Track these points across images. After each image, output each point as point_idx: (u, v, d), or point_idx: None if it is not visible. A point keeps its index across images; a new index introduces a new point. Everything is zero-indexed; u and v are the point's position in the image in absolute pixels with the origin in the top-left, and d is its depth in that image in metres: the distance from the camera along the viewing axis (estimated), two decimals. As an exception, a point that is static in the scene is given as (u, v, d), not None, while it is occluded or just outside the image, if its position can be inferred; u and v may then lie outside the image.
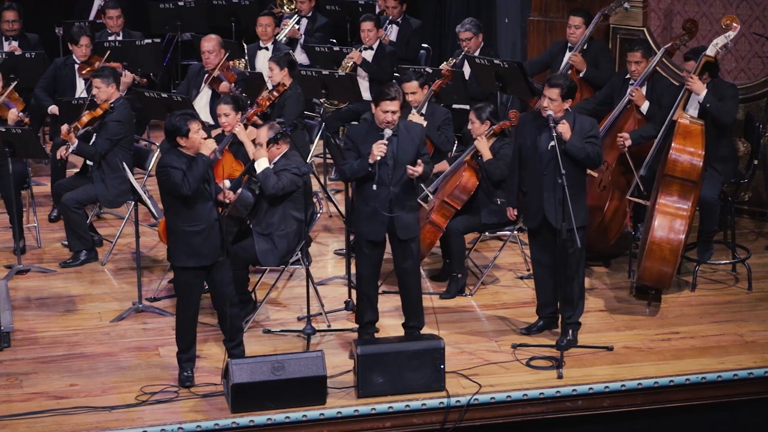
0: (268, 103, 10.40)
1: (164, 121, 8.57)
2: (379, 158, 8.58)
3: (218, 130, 10.23)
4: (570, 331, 9.03)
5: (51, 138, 12.30)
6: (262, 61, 12.62)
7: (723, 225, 10.53)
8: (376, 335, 9.12)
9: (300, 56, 13.25)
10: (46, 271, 10.54)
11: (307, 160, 10.63)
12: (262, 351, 8.97)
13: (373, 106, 8.79)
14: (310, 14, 13.79)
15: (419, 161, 8.69)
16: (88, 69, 11.83)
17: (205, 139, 8.39)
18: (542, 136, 8.91)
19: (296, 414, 8.26)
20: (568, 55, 11.52)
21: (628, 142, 10.17)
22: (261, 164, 9.35)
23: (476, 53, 11.88)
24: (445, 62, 11.78)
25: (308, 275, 9.28)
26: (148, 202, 9.56)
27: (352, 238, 9.24)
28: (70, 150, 10.56)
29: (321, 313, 9.56)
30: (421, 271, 10.29)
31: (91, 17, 14.05)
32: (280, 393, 8.27)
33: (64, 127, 10.55)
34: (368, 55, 12.75)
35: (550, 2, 12.55)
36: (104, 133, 10.57)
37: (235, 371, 8.21)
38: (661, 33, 11.89)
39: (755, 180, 10.89)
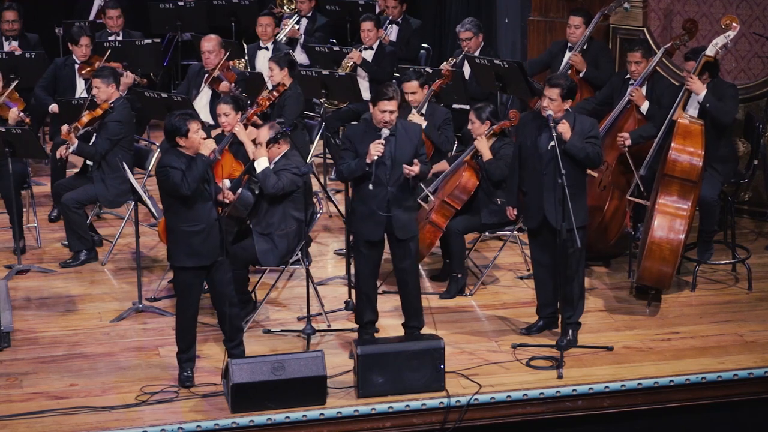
0: (268, 103, 10.41)
1: (164, 121, 8.57)
2: (376, 158, 8.59)
3: (218, 130, 10.23)
4: (570, 331, 9.03)
5: (51, 138, 12.30)
6: (262, 61, 12.62)
7: (723, 225, 10.53)
8: (376, 335, 9.12)
9: (300, 56, 13.25)
10: (46, 271, 10.54)
11: (307, 160, 10.63)
12: (262, 351, 8.97)
13: (371, 106, 8.79)
14: (310, 14, 13.79)
15: (416, 161, 8.69)
16: (88, 69, 11.83)
17: (204, 139, 8.39)
18: (542, 136, 8.91)
19: (296, 414, 8.26)
20: (568, 55, 11.52)
21: (628, 142, 10.17)
22: (261, 164, 9.36)
23: (476, 53, 11.88)
24: (445, 62, 11.79)
25: (308, 275, 9.28)
26: (148, 202, 9.56)
27: (352, 238, 9.24)
28: (70, 150, 10.56)
29: (321, 313, 9.56)
30: (421, 271, 10.31)
31: (91, 17, 14.05)
32: (280, 393, 8.27)
33: (65, 128, 10.55)
34: (368, 55, 12.75)
35: (550, 2, 12.55)
36: (104, 133, 10.57)
37: (235, 371, 8.21)
38: (661, 33, 11.89)
39: (755, 180, 10.89)
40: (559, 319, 9.13)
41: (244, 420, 8.21)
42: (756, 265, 10.28)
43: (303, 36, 13.54)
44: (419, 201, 10.02)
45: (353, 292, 9.27)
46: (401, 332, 9.14)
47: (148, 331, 9.49)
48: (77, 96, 11.92)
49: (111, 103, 10.60)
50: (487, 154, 9.91)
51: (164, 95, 11.43)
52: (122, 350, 9.18)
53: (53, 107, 11.90)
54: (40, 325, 9.60)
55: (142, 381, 8.67)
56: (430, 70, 11.40)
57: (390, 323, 9.41)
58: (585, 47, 11.46)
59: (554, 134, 8.70)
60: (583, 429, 8.75)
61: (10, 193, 10.47)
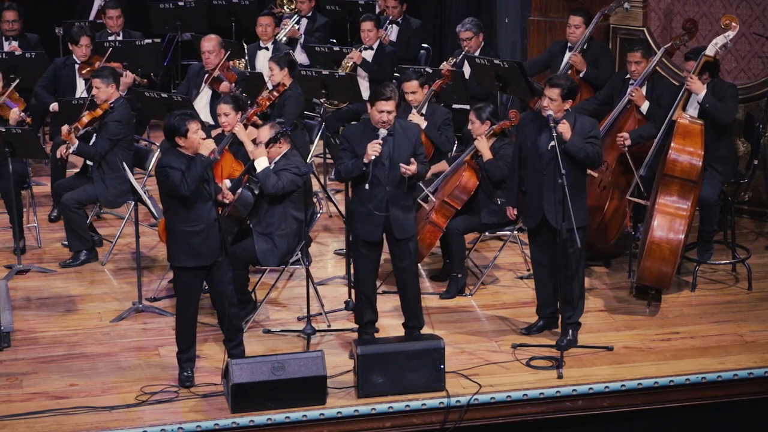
0: (268, 103, 10.41)
1: (164, 121, 8.57)
2: (373, 158, 8.59)
3: (218, 130, 10.23)
4: (570, 331, 9.03)
5: (51, 138, 12.30)
6: (262, 61, 12.62)
7: (723, 225, 10.53)
8: (376, 335, 9.12)
9: (300, 56, 13.25)
10: (46, 271, 10.54)
11: (307, 160, 10.63)
12: (262, 351, 8.97)
13: (368, 106, 8.79)
14: (310, 14, 13.79)
15: (412, 159, 8.69)
16: (89, 69, 11.82)
17: (204, 139, 8.39)
18: (542, 136, 8.91)
19: (296, 414, 8.26)
20: (568, 55, 11.52)
21: (628, 142, 10.17)
22: (260, 164, 9.36)
23: (476, 53, 11.88)
24: (445, 62, 11.79)
25: (308, 275, 9.28)
26: (148, 202, 9.56)
27: (351, 238, 9.23)
28: (71, 150, 10.56)
29: (321, 313, 9.56)
30: (421, 271, 10.31)
31: (91, 17, 14.05)
32: (280, 393, 8.27)
33: (65, 128, 10.54)
34: (368, 55, 12.75)
35: (550, 2, 12.55)
36: (104, 133, 10.57)
37: (235, 371, 8.21)
38: (661, 33, 11.89)
39: (755, 180, 10.89)
40: (559, 319, 9.13)
41: (244, 420, 8.21)
42: (756, 265, 10.28)
43: (303, 36, 13.54)
44: (419, 201, 10.02)
45: (353, 292, 9.27)
46: (401, 332, 9.14)
47: (148, 331, 9.49)
48: (77, 96, 11.92)
49: (111, 103, 10.60)
50: (487, 154, 9.91)
51: (164, 95, 11.43)
52: (122, 350, 9.18)
53: (54, 106, 11.90)
54: (40, 325, 9.60)
55: (142, 381, 8.67)
56: (430, 70, 11.40)
57: (390, 323, 9.41)
58: (585, 47, 11.46)
59: (554, 134, 8.70)
60: (583, 429, 8.75)
61: (10, 193, 10.47)
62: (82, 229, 10.60)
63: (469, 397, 8.45)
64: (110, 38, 13.01)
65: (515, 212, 9.35)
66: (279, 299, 10.01)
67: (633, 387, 8.64)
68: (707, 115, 9.94)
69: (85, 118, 10.58)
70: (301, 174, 9.25)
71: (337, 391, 8.47)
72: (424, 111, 10.52)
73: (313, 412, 8.28)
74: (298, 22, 13.63)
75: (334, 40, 13.78)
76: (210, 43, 11.71)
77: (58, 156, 10.79)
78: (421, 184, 10.04)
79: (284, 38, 13.33)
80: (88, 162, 10.77)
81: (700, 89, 9.96)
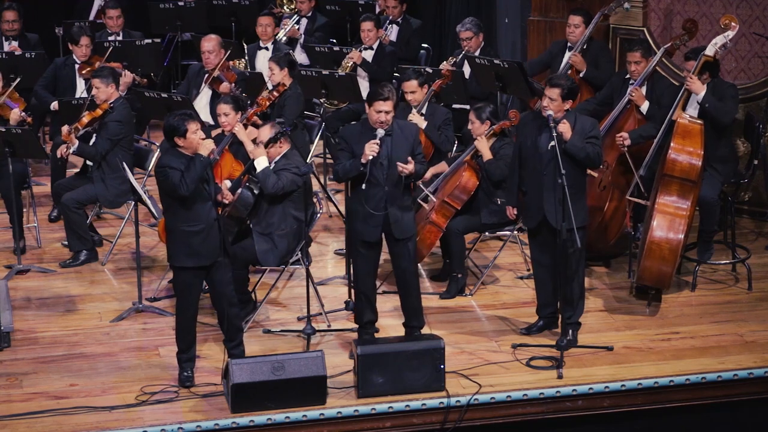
0: (268, 103, 10.41)
1: (164, 121, 8.57)
2: (371, 158, 8.59)
3: (218, 130, 10.23)
4: (570, 331, 9.03)
5: (51, 138, 12.30)
6: (262, 61, 12.62)
7: (723, 225, 10.53)
8: (376, 335, 9.12)
9: (300, 56, 13.25)
10: (46, 271, 10.54)
11: (307, 160, 10.63)
12: (262, 351, 8.97)
13: (366, 106, 8.79)
14: (310, 14, 13.79)
15: (410, 158, 8.69)
16: (89, 69, 11.82)
17: (203, 139, 8.39)
18: (542, 136, 8.91)
19: (296, 414, 8.26)
20: (567, 55, 11.52)
21: (627, 142, 10.17)
22: (260, 163, 9.36)
23: (476, 53, 11.88)
24: (445, 61, 11.79)
25: (308, 275, 9.28)
26: (148, 202, 9.56)
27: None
28: (71, 151, 10.55)
29: (321, 313, 9.56)
30: (421, 271, 10.31)
31: (91, 17, 14.05)
32: (280, 393, 8.27)
33: (65, 129, 10.54)
34: (368, 55, 12.75)
35: (550, 2, 12.55)
36: (104, 133, 10.57)
37: (235, 371, 8.21)
38: (661, 33, 11.89)
39: (755, 180, 10.89)
40: (559, 319, 9.13)
41: (244, 420, 8.21)
42: (756, 265, 10.28)
43: (303, 36, 13.54)
44: (419, 201, 10.02)
45: (353, 292, 9.27)
46: (401, 332, 9.14)
47: (148, 331, 9.49)
48: (77, 96, 11.92)
49: (111, 103, 10.60)
50: (487, 154, 9.91)
51: (164, 95, 11.43)
52: (122, 350, 9.18)
53: (54, 104, 11.90)
54: (40, 325, 9.60)
55: (142, 381, 8.67)
56: (430, 70, 11.40)
57: (390, 323, 9.41)
58: (585, 47, 11.46)
59: (554, 134, 8.70)
60: (583, 429, 8.75)
61: (10, 193, 10.47)
62: (82, 229, 10.60)
63: (469, 397, 8.45)
64: (110, 38, 13.01)
65: (515, 212, 9.35)
66: (279, 299, 10.01)
67: (633, 387, 8.64)
68: (707, 115, 9.94)
69: (85, 119, 10.58)
70: (301, 174, 9.25)
71: (337, 391, 8.47)
72: (424, 111, 10.52)
73: (313, 412, 8.28)
74: (298, 22, 13.63)
75: (334, 40, 13.78)
76: (210, 43, 11.71)
77: (59, 155, 10.79)
78: (421, 185, 10.05)
79: (284, 38, 13.33)
80: (88, 162, 10.77)
81: (699, 89, 9.96)
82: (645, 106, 10.40)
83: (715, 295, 10.01)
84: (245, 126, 10.04)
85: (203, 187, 8.38)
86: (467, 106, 11.31)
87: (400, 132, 8.78)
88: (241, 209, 9.48)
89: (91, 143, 10.64)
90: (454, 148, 10.91)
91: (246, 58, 12.95)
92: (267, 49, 12.79)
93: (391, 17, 13.46)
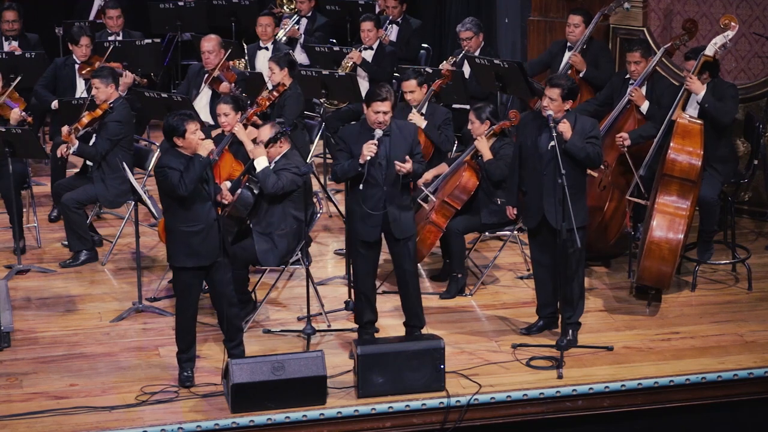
0: (268, 103, 10.41)
1: (164, 121, 8.57)
2: (368, 158, 8.59)
3: (218, 130, 10.23)
4: (570, 331, 9.03)
5: (51, 138, 12.30)
6: (262, 61, 12.62)
7: (723, 225, 10.53)
8: (376, 335, 9.12)
9: (300, 56, 13.25)
10: (46, 271, 10.54)
11: (307, 160, 10.63)
12: (262, 351, 8.97)
13: (364, 107, 8.79)
14: (309, 14, 13.79)
15: (407, 157, 8.69)
16: (89, 69, 11.82)
17: (202, 140, 8.39)
18: (542, 136, 8.91)
19: (296, 414, 8.26)
20: (567, 54, 11.52)
21: (627, 142, 10.17)
22: (260, 163, 9.36)
23: (476, 53, 11.88)
24: (445, 61, 11.79)
25: (308, 275, 9.28)
26: (148, 202, 9.56)
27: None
28: (71, 151, 10.55)
29: (321, 313, 9.56)
30: (421, 271, 10.31)
31: (91, 17, 14.05)
32: (280, 393, 8.27)
33: (65, 129, 10.54)
34: (368, 55, 12.75)
35: (550, 2, 12.55)
36: (104, 133, 10.57)
37: (235, 371, 8.21)
38: (661, 33, 11.89)
39: (755, 180, 10.89)
40: (559, 319, 9.13)
41: (244, 420, 8.21)
42: (756, 265, 10.28)
43: (303, 36, 13.54)
44: (419, 201, 10.02)
45: (353, 292, 9.27)
46: (401, 332, 9.14)
47: (148, 331, 9.49)
48: (77, 96, 11.92)
49: (110, 104, 10.60)
50: (487, 154, 9.91)
51: (164, 95, 11.43)
52: (122, 350, 9.18)
53: (55, 103, 11.90)
54: (40, 325, 9.60)
55: (142, 381, 8.67)
56: (430, 70, 11.40)
57: (390, 323, 9.41)
58: (585, 47, 11.46)
59: (554, 134, 8.70)
60: (583, 429, 8.75)
61: (10, 193, 10.47)
62: (82, 229, 10.60)
63: (469, 397, 8.45)
64: (110, 38, 13.01)
65: (515, 212, 9.35)
66: (279, 299, 10.01)
67: (633, 387, 8.64)
68: (707, 115, 9.94)
69: (85, 119, 10.58)
70: (301, 174, 9.26)
71: (337, 391, 8.47)
72: (424, 111, 10.52)
73: (313, 412, 8.28)
74: (298, 22, 13.63)
75: (334, 40, 13.78)
76: (210, 43, 11.71)
77: (59, 154, 10.79)
78: (422, 186, 10.05)
79: (284, 38, 13.33)
80: (88, 162, 10.77)
81: (699, 89, 9.97)
82: (645, 106, 10.40)
83: (715, 295, 10.01)
84: (245, 126, 10.05)
85: (203, 187, 8.38)
86: (467, 106, 11.31)
87: (399, 132, 8.78)
88: (241, 209, 9.48)
89: (91, 143, 10.64)
90: (454, 148, 10.91)
91: (246, 58, 12.95)
92: (267, 49, 12.79)
93: (391, 17, 13.46)
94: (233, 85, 11.57)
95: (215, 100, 11.16)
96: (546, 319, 9.32)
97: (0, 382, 8.69)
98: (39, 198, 11.62)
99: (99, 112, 10.58)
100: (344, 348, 9.13)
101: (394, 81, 12.54)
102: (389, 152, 8.69)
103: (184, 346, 8.60)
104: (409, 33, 13.45)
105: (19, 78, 11.35)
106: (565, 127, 8.81)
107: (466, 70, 11.92)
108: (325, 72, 11.84)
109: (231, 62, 11.93)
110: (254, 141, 9.67)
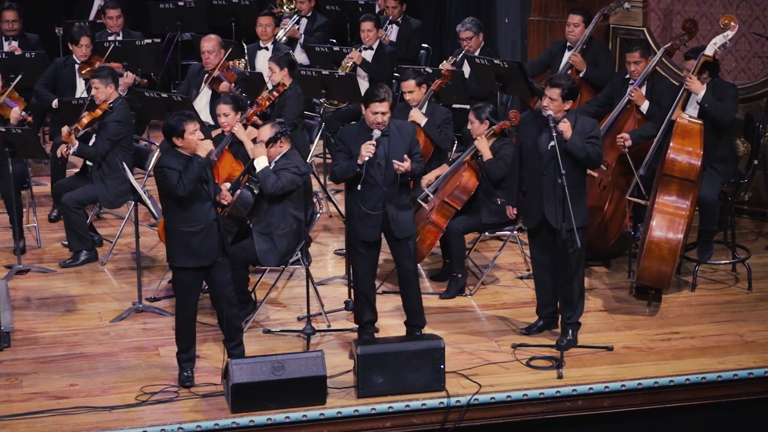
0: (268, 103, 10.41)
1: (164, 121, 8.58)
2: (367, 159, 8.60)
3: (219, 131, 10.23)
4: (570, 331, 9.03)
5: (51, 138, 12.31)
6: (262, 61, 12.62)
7: (723, 225, 10.53)
8: (376, 335, 9.12)
9: (300, 56, 13.25)
10: (46, 271, 10.54)
11: (307, 160, 10.63)
12: (262, 351, 8.97)
13: (363, 108, 8.79)
14: (309, 14, 13.79)
15: (405, 156, 8.69)
16: (89, 69, 11.82)
17: (202, 140, 8.38)
18: (543, 136, 8.91)
19: (296, 414, 8.26)
20: (567, 54, 11.51)
21: (628, 143, 10.17)
22: (260, 163, 9.36)
23: (476, 53, 11.88)
24: (445, 61, 11.79)
25: (308, 275, 9.28)
26: (148, 202, 9.57)
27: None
28: (71, 151, 10.55)
29: (321, 313, 9.56)
30: (421, 271, 10.31)
31: (91, 17, 14.05)
32: (280, 393, 8.27)
33: (65, 130, 10.54)
34: (368, 55, 12.75)
35: (550, 2, 12.55)
36: (104, 133, 10.57)
37: (235, 371, 8.21)
38: (661, 33, 11.89)
39: (755, 180, 10.89)
40: (559, 319, 9.13)
41: (244, 420, 8.21)
42: (756, 265, 10.28)
43: (303, 36, 13.54)
44: (419, 201, 10.02)
45: (353, 292, 9.27)
46: (401, 332, 9.14)
47: (148, 331, 9.49)
48: (77, 96, 11.92)
49: (110, 104, 10.60)
50: (487, 154, 9.91)
51: (164, 95, 11.43)
52: (122, 350, 9.18)
53: (55, 102, 11.90)
54: (40, 325, 9.60)
55: (142, 381, 8.67)
56: (430, 70, 11.40)
57: (390, 323, 9.42)
58: (585, 47, 11.45)
59: (554, 134, 8.70)
60: (583, 429, 8.75)
61: (10, 193, 10.47)
62: (82, 229, 10.60)
63: (469, 397, 8.45)
64: (110, 38, 13.01)
65: (515, 212, 9.35)
66: (279, 299, 10.01)
67: (633, 387, 8.64)
68: (707, 114, 9.94)
69: (85, 119, 10.58)
70: (301, 174, 9.26)
71: (337, 391, 8.47)
72: (424, 110, 10.52)
73: (313, 412, 8.28)
74: (298, 22, 13.63)
75: (334, 40, 13.78)
76: (210, 43, 11.71)
77: (59, 154, 10.79)
78: (425, 188, 10.05)
79: (284, 38, 13.33)
80: (88, 162, 10.77)
81: (699, 89, 9.97)
82: (645, 106, 10.40)
83: (715, 295, 10.01)
84: (245, 126, 10.04)
85: (202, 187, 8.38)
86: (467, 106, 11.31)
87: (398, 132, 8.78)
88: (241, 209, 9.48)
89: (90, 144, 10.63)
90: (454, 148, 10.91)
91: (246, 58, 12.95)
92: (267, 49, 12.79)
93: (391, 17, 13.46)
94: (233, 85, 11.57)
95: (215, 100, 11.16)
96: (546, 319, 9.32)
97: (0, 382, 8.69)
98: (39, 198, 11.62)
99: (99, 112, 10.58)
100: (344, 348, 9.13)
101: (394, 81, 12.54)
102: (388, 152, 8.69)
103: (184, 346, 8.60)
104: (409, 33, 13.45)
105: (20, 76, 11.35)
106: (565, 126, 8.81)
107: (466, 70, 11.92)
108: (325, 72, 11.84)
109: (231, 62, 11.93)
110: (254, 141, 9.67)
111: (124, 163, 10.14)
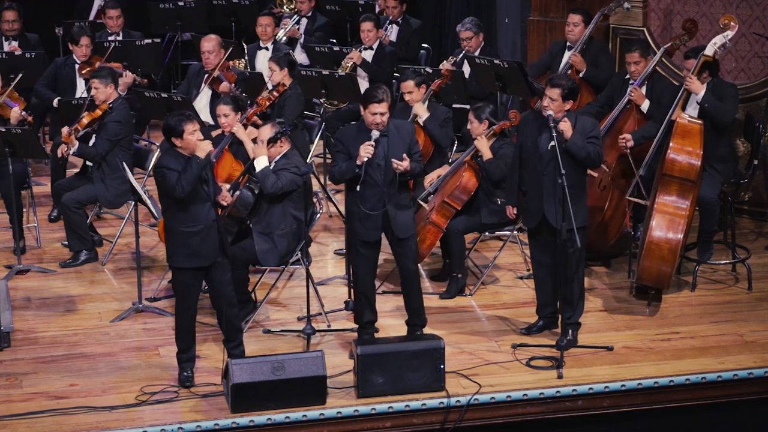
0: (268, 103, 10.41)
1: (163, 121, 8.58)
2: (366, 159, 8.60)
3: (219, 131, 10.24)
4: (570, 331, 9.03)
5: (51, 138, 12.31)
6: (262, 61, 12.62)
7: (723, 225, 10.53)
8: (376, 335, 9.12)
9: (300, 56, 13.25)
10: (46, 271, 10.54)
11: (307, 160, 10.63)
12: (262, 351, 8.97)
13: (362, 108, 8.79)
14: (310, 14, 13.79)
15: (404, 155, 8.69)
16: (89, 69, 11.82)
17: (201, 141, 8.38)
18: (543, 136, 8.91)
19: (296, 414, 8.26)
20: (567, 54, 11.52)
21: (630, 143, 10.16)
22: (260, 163, 9.36)
23: (476, 53, 11.88)
24: (445, 61, 11.78)
25: (308, 275, 9.28)
26: (148, 202, 9.57)
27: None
28: (71, 152, 10.55)
29: (321, 313, 9.56)
30: (421, 271, 10.30)
31: (91, 17, 14.05)
32: (280, 393, 8.27)
33: (65, 130, 10.53)
34: (368, 55, 12.75)
35: (550, 2, 12.55)
36: (104, 133, 10.56)
37: (235, 371, 8.21)
38: (661, 33, 11.89)
39: (755, 180, 10.89)
40: (559, 319, 9.13)
41: (244, 420, 8.21)
42: (756, 265, 10.28)
43: (303, 36, 13.54)
44: (419, 201, 10.03)
45: (353, 292, 9.27)
46: (401, 332, 9.14)
47: (148, 331, 9.49)
48: (77, 96, 11.92)
49: (110, 104, 10.60)
50: (487, 154, 9.91)
51: (164, 95, 11.44)
52: (122, 350, 9.18)
53: (56, 101, 11.89)
54: (40, 325, 9.60)
55: (142, 381, 8.67)
56: (430, 70, 11.40)
57: (390, 323, 9.42)
58: (585, 47, 11.45)
59: (554, 134, 8.71)
60: (583, 429, 8.75)
61: (10, 193, 10.47)
62: (82, 229, 10.60)
63: (469, 397, 8.45)
64: (110, 38, 13.02)
65: (515, 212, 9.35)
66: (279, 299, 10.01)
67: (633, 387, 8.64)
68: (707, 114, 9.94)
69: (85, 119, 10.58)
70: (301, 174, 9.26)
71: (337, 391, 8.47)
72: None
73: (313, 412, 8.28)
74: (298, 22, 13.63)
75: (334, 40, 13.78)
76: (210, 43, 11.71)
77: (59, 154, 10.79)
78: (428, 189, 10.06)
79: (284, 38, 13.33)
80: (88, 162, 10.77)
81: (699, 89, 9.97)
82: (645, 106, 10.40)
83: (715, 295, 10.01)
84: (245, 126, 10.04)
85: (202, 188, 8.37)
86: (467, 106, 11.31)
87: (397, 132, 8.78)
88: (241, 209, 9.48)
89: (90, 144, 10.63)
90: (454, 148, 10.90)
91: (246, 58, 12.95)
92: (267, 49, 12.79)
93: (391, 17, 13.47)
94: (233, 85, 11.57)
95: (215, 100, 11.16)
96: (546, 319, 9.32)
97: (0, 382, 8.69)
98: (39, 198, 11.62)
99: (98, 112, 10.58)
100: (344, 348, 9.13)
101: (394, 81, 12.54)
102: (387, 152, 8.69)
103: (184, 346, 8.60)
104: (409, 33, 13.46)
105: (20, 76, 11.34)
106: (565, 126, 8.81)
107: (466, 70, 11.92)
108: (325, 72, 11.84)
109: (231, 62, 11.93)
110: (254, 141, 9.67)
111: (124, 163, 10.14)
